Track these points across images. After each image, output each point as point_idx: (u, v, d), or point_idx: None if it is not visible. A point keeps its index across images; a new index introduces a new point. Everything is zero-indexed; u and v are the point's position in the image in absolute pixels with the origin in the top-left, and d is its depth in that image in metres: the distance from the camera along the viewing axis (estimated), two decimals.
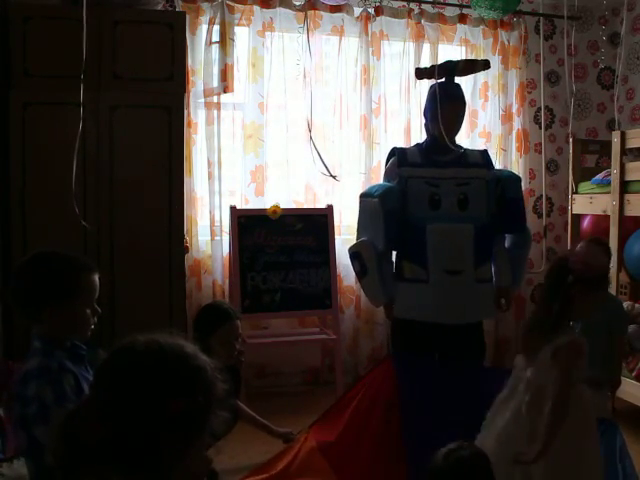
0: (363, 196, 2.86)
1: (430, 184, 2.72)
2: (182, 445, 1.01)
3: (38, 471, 1.60)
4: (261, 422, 2.81)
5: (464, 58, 3.01)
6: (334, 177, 3.64)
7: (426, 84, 4.31)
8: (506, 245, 2.90)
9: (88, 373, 1.72)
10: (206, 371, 1.06)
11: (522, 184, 3.06)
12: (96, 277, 1.71)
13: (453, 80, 2.85)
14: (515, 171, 4.57)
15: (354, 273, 2.92)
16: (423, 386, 2.43)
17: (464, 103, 2.85)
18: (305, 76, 3.97)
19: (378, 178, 4.13)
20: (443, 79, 2.86)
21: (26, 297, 1.67)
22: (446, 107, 2.76)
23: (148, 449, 0.98)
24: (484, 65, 2.98)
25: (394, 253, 2.87)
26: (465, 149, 2.90)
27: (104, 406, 1.00)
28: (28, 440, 1.58)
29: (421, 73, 2.94)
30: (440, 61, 4.32)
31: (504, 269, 2.81)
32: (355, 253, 2.77)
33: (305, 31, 3.92)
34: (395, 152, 2.86)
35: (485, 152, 2.91)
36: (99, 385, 1.05)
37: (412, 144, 3.27)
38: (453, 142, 2.84)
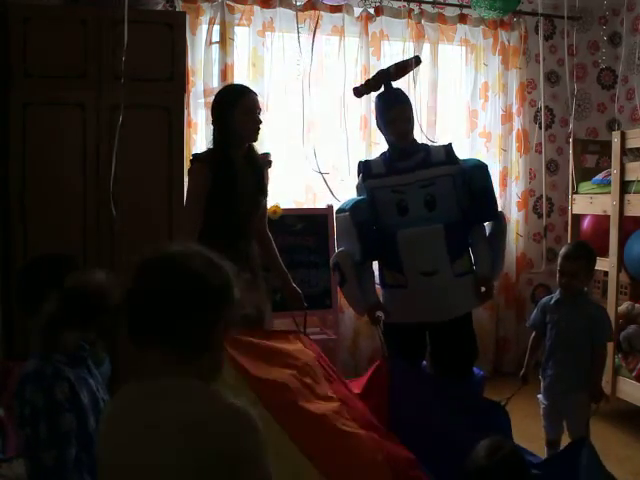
0: (337, 212, 2.93)
1: (396, 191, 2.76)
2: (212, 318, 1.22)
3: (33, 470, 1.63)
4: (283, 269, 2.93)
5: (394, 63, 3.04)
6: (322, 174, 3.69)
7: (427, 84, 4.35)
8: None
9: (89, 374, 1.74)
10: (221, 263, 1.27)
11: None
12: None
13: (391, 87, 2.89)
14: (515, 171, 4.58)
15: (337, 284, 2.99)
16: (414, 401, 2.40)
17: (408, 104, 2.86)
18: (304, 76, 3.97)
19: None
20: (382, 89, 2.90)
21: (33, 303, 1.69)
22: (392, 113, 2.80)
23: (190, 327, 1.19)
24: (416, 62, 3.00)
25: (376, 263, 2.92)
26: (430, 147, 2.92)
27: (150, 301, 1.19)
28: (24, 439, 1.60)
29: (359, 91, 2.98)
30: (440, 61, 4.38)
31: (482, 258, 2.81)
32: (335, 264, 2.83)
33: (312, 32, 3.93)
34: (360, 166, 2.92)
35: (449, 146, 2.89)
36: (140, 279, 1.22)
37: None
38: (413, 144, 2.87)
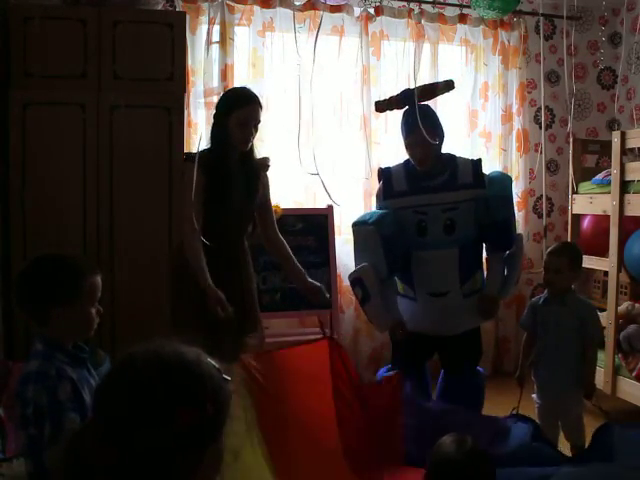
0: (356, 225, 2.82)
1: (417, 212, 2.72)
2: (194, 460, 0.96)
3: (35, 470, 1.62)
4: (299, 269, 2.80)
5: (425, 84, 2.92)
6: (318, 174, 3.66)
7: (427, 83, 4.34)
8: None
9: (90, 374, 1.74)
10: (212, 377, 1.00)
11: (514, 194, 2.89)
12: (99, 278, 1.76)
13: (412, 108, 2.67)
14: (515, 171, 4.56)
15: (357, 299, 2.90)
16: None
17: (427, 128, 2.57)
18: (303, 76, 3.97)
19: (376, 181, 4.13)
20: (407, 107, 2.80)
21: (32, 301, 1.69)
22: (408, 139, 2.74)
23: (159, 468, 0.94)
24: (446, 86, 2.84)
25: None
26: (457, 162, 2.79)
27: (109, 428, 0.95)
28: (26, 439, 1.60)
29: (380, 107, 2.89)
30: (440, 61, 4.37)
31: (493, 278, 2.82)
32: (357, 279, 2.75)
33: (313, 31, 3.92)
34: (381, 177, 2.84)
35: (477, 163, 2.79)
36: (101, 406, 1.00)
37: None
38: (437, 163, 2.75)
